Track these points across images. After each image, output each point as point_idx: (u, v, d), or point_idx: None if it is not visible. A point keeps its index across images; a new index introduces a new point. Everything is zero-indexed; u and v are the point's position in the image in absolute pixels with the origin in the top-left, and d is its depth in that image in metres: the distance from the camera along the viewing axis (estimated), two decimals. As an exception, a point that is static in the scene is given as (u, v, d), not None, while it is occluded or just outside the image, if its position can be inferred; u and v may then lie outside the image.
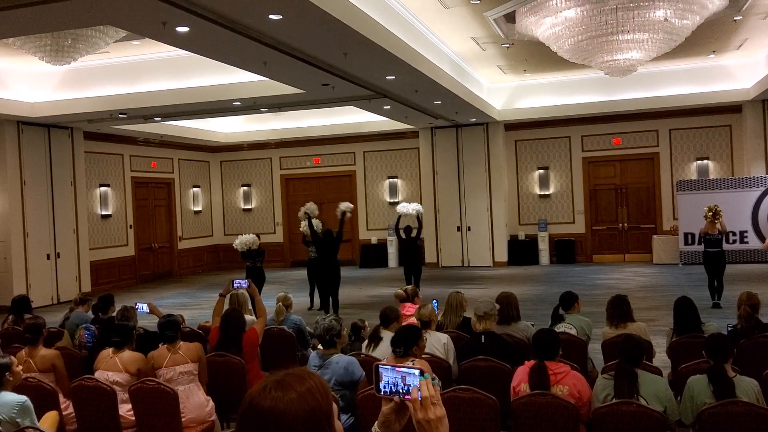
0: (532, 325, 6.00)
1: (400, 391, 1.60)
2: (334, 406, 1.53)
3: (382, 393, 1.62)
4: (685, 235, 15.66)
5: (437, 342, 5.20)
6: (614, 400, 3.87)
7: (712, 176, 16.61)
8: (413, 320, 5.74)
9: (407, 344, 4.39)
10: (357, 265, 18.77)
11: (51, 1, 6.64)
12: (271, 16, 7.32)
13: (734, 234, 15.33)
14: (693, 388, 4.01)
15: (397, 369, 1.61)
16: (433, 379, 1.64)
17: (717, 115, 16.61)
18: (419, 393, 1.56)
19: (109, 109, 12.86)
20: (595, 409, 3.89)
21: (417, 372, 1.58)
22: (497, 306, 5.48)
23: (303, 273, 12.08)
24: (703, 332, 5.39)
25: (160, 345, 5.14)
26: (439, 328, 6.15)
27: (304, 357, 6.31)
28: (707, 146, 16.97)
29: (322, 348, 4.76)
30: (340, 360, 4.58)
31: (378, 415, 1.65)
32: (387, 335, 5.21)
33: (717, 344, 4.10)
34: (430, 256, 17.98)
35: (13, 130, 13.46)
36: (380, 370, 1.62)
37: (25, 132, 13.67)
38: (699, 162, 16.92)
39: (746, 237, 15.23)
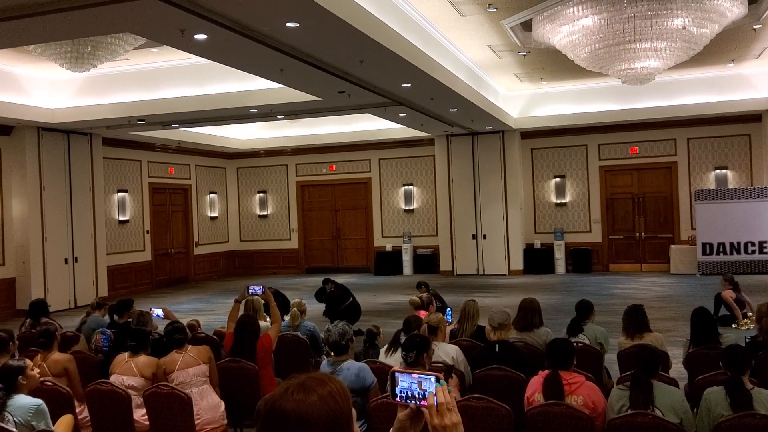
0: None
1: (416, 396, 1.59)
2: (354, 410, 1.53)
3: (398, 399, 1.62)
4: (703, 245, 15.51)
5: (445, 355, 5.12)
6: (630, 411, 3.84)
7: (730, 186, 16.44)
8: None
9: (420, 349, 4.30)
10: (371, 273, 18.77)
11: (71, 8, 6.73)
12: (289, 24, 7.36)
13: (753, 245, 15.17)
14: (710, 400, 3.96)
15: (414, 375, 1.60)
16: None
17: (736, 124, 16.45)
18: (435, 399, 1.55)
19: (127, 116, 12.99)
20: (610, 420, 3.86)
21: (433, 378, 1.57)
22: (511, 316, 5.45)
23: (318, 279, 12.07)
24: (720, 343, 5.33)
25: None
26: (454, 336, 6.13)
27: (317, 363, 6.31)
28: (726, 155, 16.80)
29: (333, 355, 4.74)
30: (351, 366, 4.56)
31: (391, 422, 1.65)
32: None
33: (735, 356, 4.05)
34: (445, 264, 17.94)
35: (33, 135, 13.63)
36: (396, 375, 1.62)
37: (45, 138, 13.84)
38: (717, 171, 16.75)
39: (765, 247, 15.05)
